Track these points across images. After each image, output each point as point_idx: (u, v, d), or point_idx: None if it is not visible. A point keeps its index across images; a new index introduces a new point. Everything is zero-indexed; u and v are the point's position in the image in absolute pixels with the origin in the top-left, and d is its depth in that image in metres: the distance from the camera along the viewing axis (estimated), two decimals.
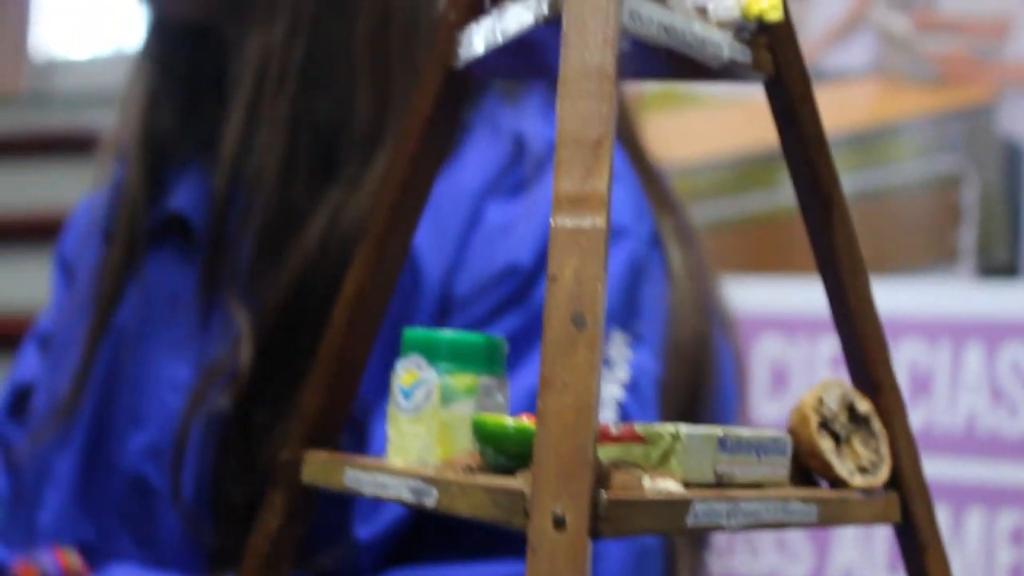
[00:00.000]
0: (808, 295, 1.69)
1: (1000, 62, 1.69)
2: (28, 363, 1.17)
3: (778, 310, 1.73)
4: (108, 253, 1.07)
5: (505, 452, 0.56)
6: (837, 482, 0.61)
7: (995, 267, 1.67)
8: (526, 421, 0.56)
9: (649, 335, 0.95)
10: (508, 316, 0.92)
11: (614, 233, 0.95)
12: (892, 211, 1.72)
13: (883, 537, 1.63)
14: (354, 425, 0.91)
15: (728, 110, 1.79)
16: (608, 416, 0.91)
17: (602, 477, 0.51)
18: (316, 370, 0.66)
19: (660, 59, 0.59)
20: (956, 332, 1.64)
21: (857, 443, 0.62)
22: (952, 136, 1.71)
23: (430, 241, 0.95)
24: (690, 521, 0.53)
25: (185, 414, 0.96)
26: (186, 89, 1.08)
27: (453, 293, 0.95)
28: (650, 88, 1.80)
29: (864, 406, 0.63)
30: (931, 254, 1.70)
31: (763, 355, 1.73)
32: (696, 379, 0.99)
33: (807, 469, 0.61)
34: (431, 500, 0.56)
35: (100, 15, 3.30)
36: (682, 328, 0.98)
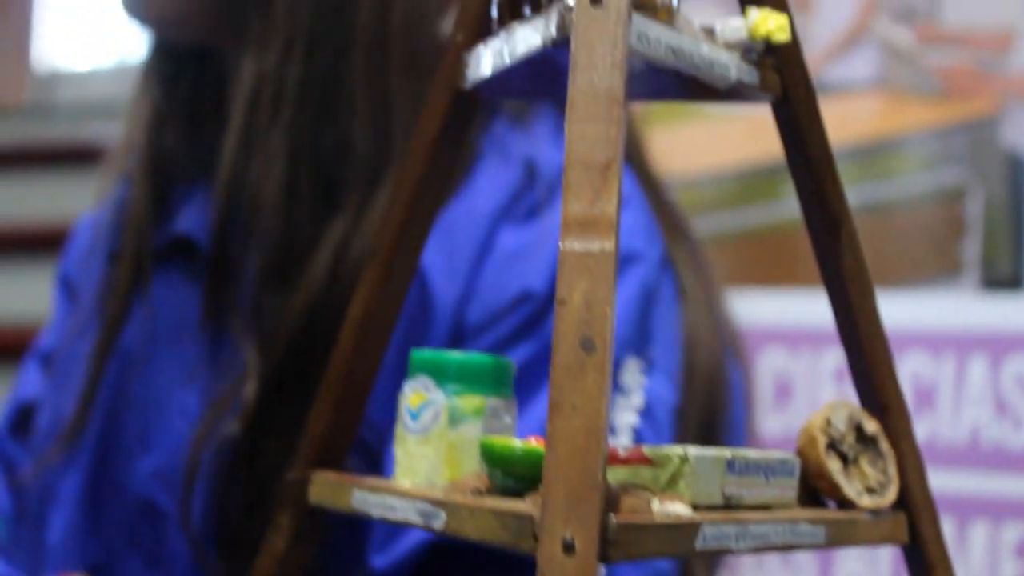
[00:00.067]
0: (811, 308, 1.69)
1: (1004, 75, 1.69)
2: (30, 381, 1.17)
3: (781, 323, 1.73)
4: (114, 273, 1.06)
5: (513, 474, 0.56)
6: (845, 503, 0.61)
7: (999, 279, 1.67)
8: (534, 443, 0.56)
9: (662, 360, 0.95)
10: (521, 344, 0.92)
11: (625, 258, 0.94)
12: (896, 224, 1.72)
13: (888, 550, 1.63)
14: (365, 449, 0.91)
15: (732, 123, 1.79)
16: (624, 443, 0.90)
17: (611, 501, 0.51)
18: (323, 391, 0.66)
19: (667, 80, 0.59)
20: (960, 345, 1.64)
21: (865, 463, 0.62)
22: (956, 149, 1.71)
23: (442, 266, 0.95)
24: (699, 544, 0.53)
25: (195, 441, 0.96)
26: (190, 110, 1.07)
27: (466, 320, 0.94)
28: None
29: (872, 426, 0.63)
30: (935, 266, 1.70)
31: (766, 368, 1.73)
32: (710, 404, 0.99)
33: (815, 490, 0.61)
34: (439, 523, 0.56)
35: (102, 27, 3.30)
36: (696, 353, 0.98)
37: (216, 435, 0.95)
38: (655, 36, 0.55)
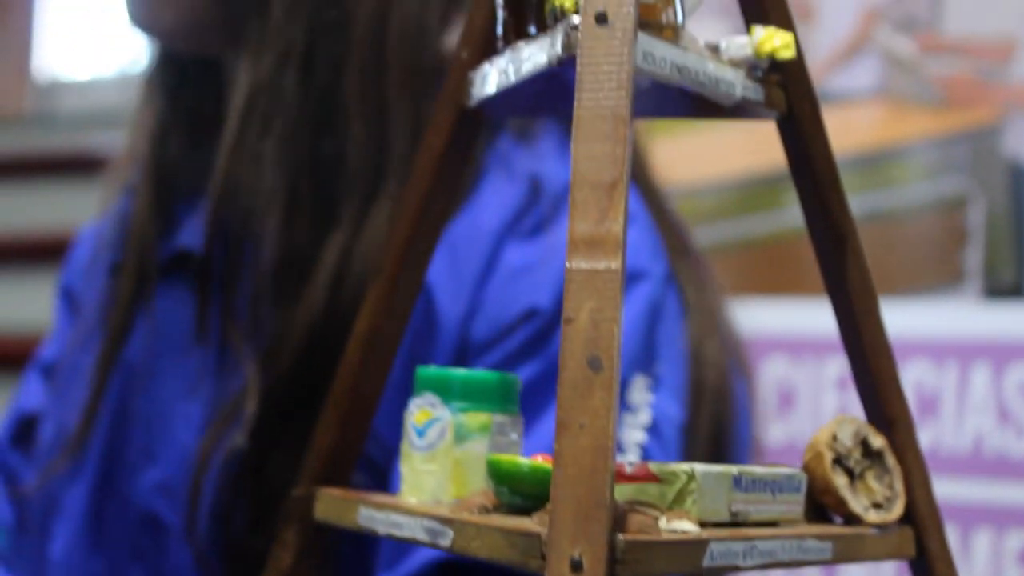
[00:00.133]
0: (813, 316, 1.70)
1: (1005, 84, 1.69)
2: (31, 392, 1.17)
3: (784, 331, 1.73)
4: (116, 286, 1.06)
5: (520, 492, 0.56)
6: (851, 518, 0.61)
7: (1001, 288, 1.67)
8: (540, 461, 0.56)
9: (668, 377, 0.95)
10: (528, 362, 0.92)
11: (631, 276, 0.94)
12: (898, 233, 1.73)
13: (892, 564, 1.62)
14: (372, 465, 0.91)
15: (733, 132, 1.80)
16: (631, 460, 0.90)
17: (619, 519, 0.51)
18: (329, 407, 0.66)
19: (673, 97, 0.59)
20: (962, 353, 1.64)
21: (871, 478, 0.62)
22: (958, 158, 1.71)
23: (447, 282, 0.95)
24: (707, 562, 0.53)
25: (200, 454, 0.96)
26: (193, 121, 1.07)
27: (471, 337, 0.94)
28: None
29: (878, 441, 0.63)
30: (937, 275, 1.70)
31: (769, 376, 1.73)
32: (717, 420, 0.99)
33: (821, 505, 0.61)
34: (446, 541, 0.56)
35: (103, 36, 3.30)
36: (701, 369, 0.98)
37: (221, 448, 0.95)
38: (660, 54, 0.55)
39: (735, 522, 0.56)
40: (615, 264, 0.50)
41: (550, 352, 0.91)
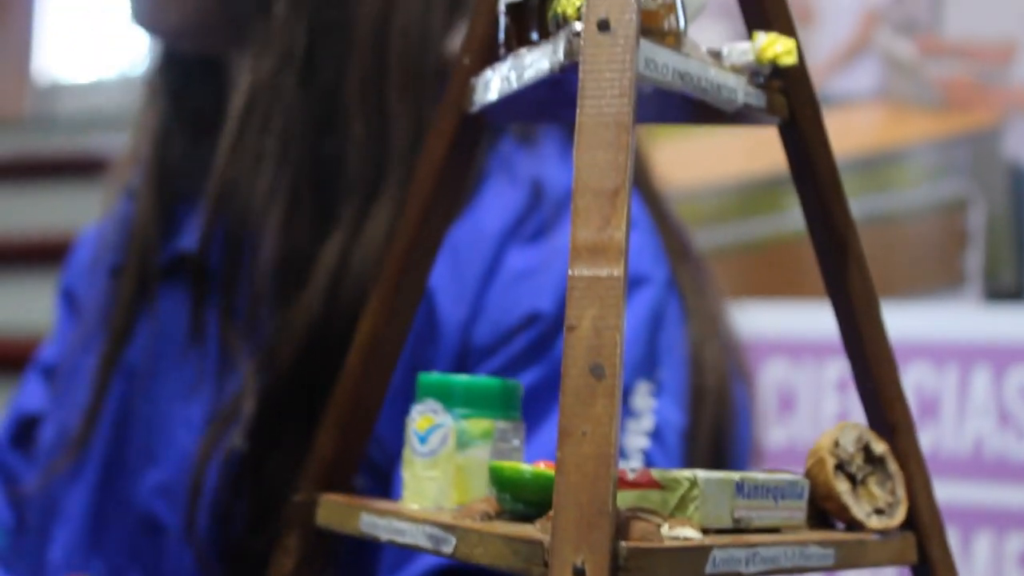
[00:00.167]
0: (813, 319, 1.70)
1: (1005, 86, 1.69)
2: (32, 393, 1.17)
3: (784, 334, 1.73)
4: (118, 288, 1.06)
5: (522, 499, 0.56)
6: (854, 524, 0.61)
7: (1002, 291, 1.67)
8: (543, 467, 0.56)
9: (670, 382, 0.95)
10: (531, 367, 0.92)
11: (634, 281, 0.94)
12: (899, 235, 1.72)
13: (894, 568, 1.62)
14: (374, 469, 0.91)
15: (733, 135, 1.80)
16: (634, 466, 0.90)
17: (621, 526, 0.51)
18: (330, 413, 0.66)
19: (675, 103, 0.59)
20: (963, 356, 1.64)
21: (873, 484, 0.62)
22: (958, 160, 1.71)
23: (448, 286, 0.94)
24: (709, 568, 0.53)
25: (200, 455, 0.96)
26: (196, 122, 1.07)
27: (473, 341, 0.94)
28: None
29: (880, 447, 0.63)
30: (938, 278, 1.70)
31: (769, 379, 1.73)
32: (717, 424, 0.99)
33: (824, 511, 0.61)
34: (449, 547, 0.56)
35: (103, 38, 3.30)
36: (702, 373, 0.98)
37: (219, 449, 0.95)
38: (663, 61, 0.55)
39: (737, 529, 0.56)
40: (617, 271, 0.50)
41: (552, 357, 0.91)
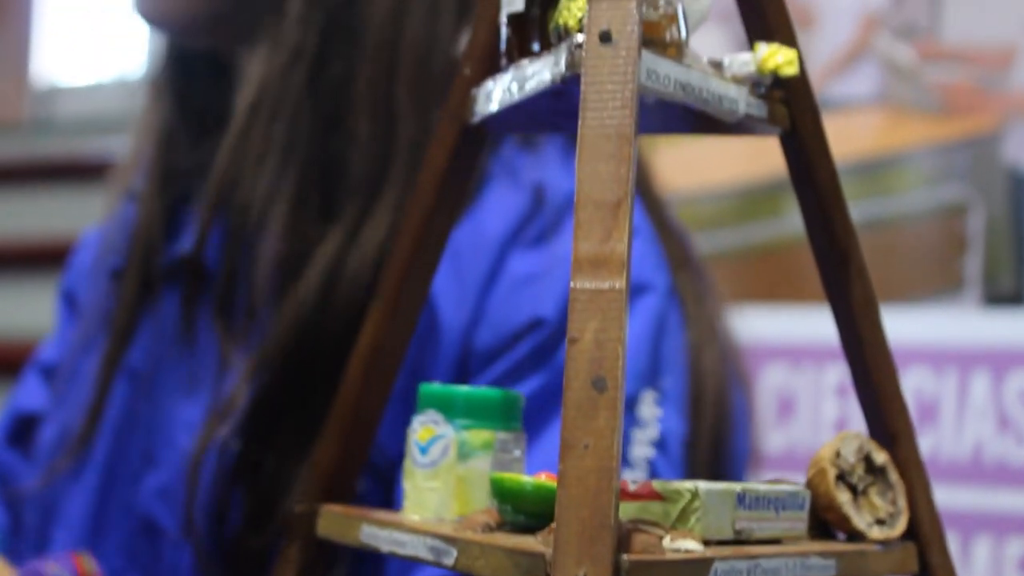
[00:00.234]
0: (813, 324, 1.70)
1: (1005, 91, 1.69)
2: (30, 391, 1.16)
3: (783, 339, 1.73)
4: (120, 290, 1.06)
5: (523, 510, 0.56)
6: (855, 534, 0.61)
7: (1001, 295, 1.67)
8: (544, 479, 0.56)
9: (672, 390, 0.95)
10: (533, 374, 0.92)
11: (637, 288, 0.94)
12: (898, 240, 1.73)
13: None
14: (375, 472, 0.91)
15: (732, 140, 1.80)
16: (639, 476, 0.90)
17: (623, 539, 0.51)
18: (331, 423, 0.66)
19: (676, 114, 0.59)
20: (962, 360, 1.64)
21: (874, 494, 0.62)
22: (957, 165, 1.71)
23: (450, 289, 0.94)
24: None
25: (195, 452, 0.96)
26: (200, 122, 1.07)
27: (475, 345, 0.94)
28: None
29: (881, 457, 0.63)
30: (937, 282, 1.70)
31: (769, 384, 1.73)
32: (717, 432, 0.99)
33: (825, 521, 0.61)
34: (450, 559, 0.56)
35: (101, 42, 3.30)
36: (702, 381, 0.98)
37: (214, 447, 0.95)
38: (664, 72, 0.55)
39: (739, 540, 0.56)
40: (619, 284, 0.50)
41: (555, 363, 0.91)
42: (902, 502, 0.63)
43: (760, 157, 1.73)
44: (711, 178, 1.84)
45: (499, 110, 0.61)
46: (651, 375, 0.93)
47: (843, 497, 0.61)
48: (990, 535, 1.60)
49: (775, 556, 0.55)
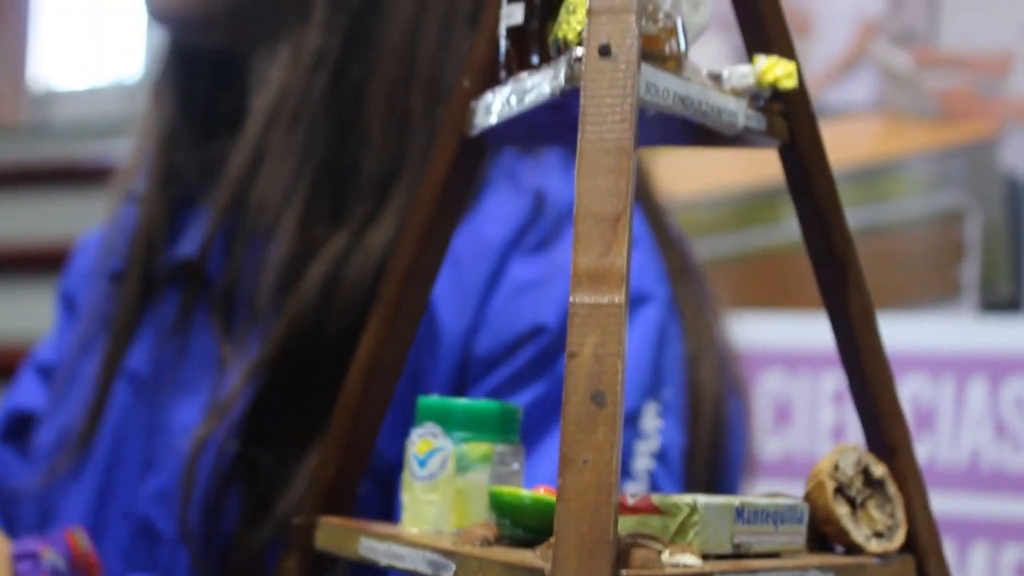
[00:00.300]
0: (810, 330, 1.70)
1: (1002, 98, 1.69)
2: (27, 389, 1.16)
3: (780, 345, 1.73)
4: (120, 293, 1.06)
5: (522, 524, 0.56)
6: (853, 548, 0.61)
7: (998, 302, 1.67)
8: (543, 493, 0.56)
9: (672, 401, 0.95)
10: (534, 383, 0.92)
11: (639, 299, 0.94)
12: (895, 246, 1.73)
13: None
14: (375, 476, 0.91)
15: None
16: (641, 489, 0.90)
17: (622, 554, 0.51)
18: (330, 435, 0.66)
19: (675, 126, 0.59)
20: (959, 367, 1.64)
21: (872, 507, 0.62)
22: (955, 171, 1.71)
23: (449, 294, 0.94)
24: None
25: (191, 452, 0.96)
26: (205, 123, 1.07)
27: (475, 351, 0.94)
28: None
29: (879, 470, 0.63)
30: (934, 289, 1.70)
31: (765, 391, 1.73)
32: (714, 443, 0.99)
33: (823, 535, 0.61)
34: (448, 573, 0.55)
35: (99, 45, 3.30)
36: (700, 393, 0.98)
37: (210, 448, 0.95)
38: (664, 85, 0.55)
39: (737, 554, 0.56)
40: (618, 298, 0.50)
41: (556, 372, 0.91)
42: (900, 515, 0.63)
43: (758, 164, 1.73)
44: (709, 184, 1.84)
45: (498, 123, 0.60)
46: (653, 387, 0.93)
47: (841, 510, 0.61)
48: (987, 542, 1.60)
49: (774, 570, 0.55)
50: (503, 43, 0.61)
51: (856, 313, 0.63)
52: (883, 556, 0.61)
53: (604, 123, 0.52)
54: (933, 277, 1.71)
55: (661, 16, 0.57)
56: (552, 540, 0.49)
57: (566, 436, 0.49)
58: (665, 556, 0.53)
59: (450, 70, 0.97)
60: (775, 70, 0.59)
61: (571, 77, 0.55)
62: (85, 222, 1.23)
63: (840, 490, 0.61)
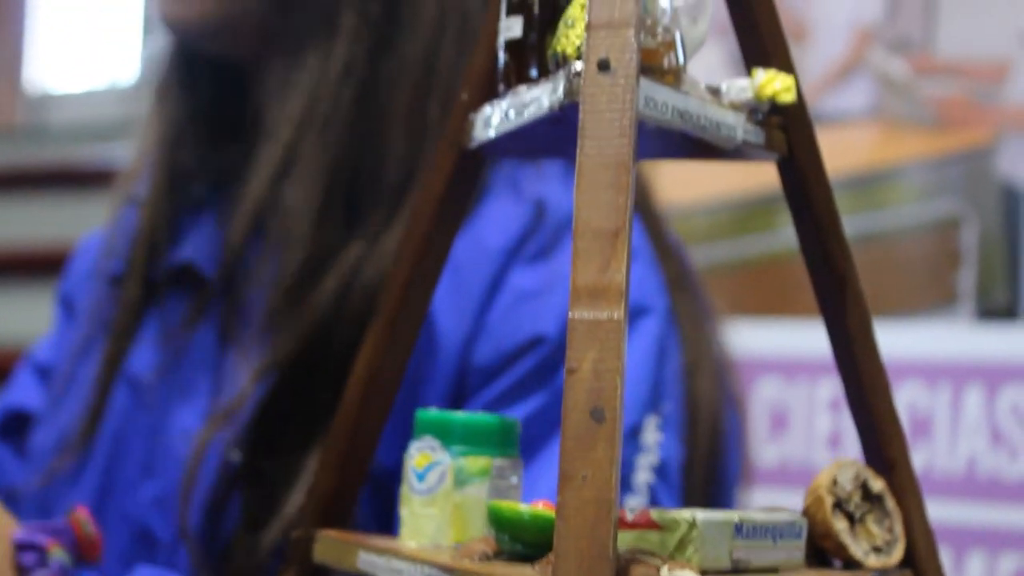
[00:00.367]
0: (806, 337, 1.69)
1: (999, 105, 1.69)
2: (24, 387, 1.16)
3: (777, 353, 1.73)
4: (120, 296, 1.06)
5: (521, 539, 0.56)
6: (852, 563, 0.61)
7: (994, 310, 1.67)
8: (541, 508, 0.56)
9: (672, 415, 0.95)
10: (535, 394, 0.92)
11: (638, 311, 0.94)
12: (892, 254, 1.72)
13: None
14: (374, 484, 0.91)
15: None
16: (641, 502, 0.90)
17: (621, 570, 0.51)
18: (328, 448, 0.66)
19: (674, 140, 0.59)
20: (956, 375, 1.64)
21: (871, 522, 0.62)
22: (951, 179, 1.71)
23: (449, 301, 0.94)
24: None
25: (192, 458, 0.96)
26: (208, 126, 1.06)
27: (474, 360, 0.94)
28: None
29: (877, 485, 0.63)
30: (930, 297, 1.70)
31: (762, 398, 1.73)
32: (711, 455, 0.99)
33: (822, 550, 0.61)
34: None
35: (95, 49, 3.30)
36: (697, 405, 0.98)
37: (213, 454, 0.95)
38: (662, 100, 0.55)
39: (736, 569, 0.56)
40: (617, 314, 0.50)
41: (556, 383, 0.91)
42: (899, 529, 0.63)
43: (754, 172, 1.72)
44: (705, 192, 1.83)
45: (496, 137, 0.60)
46: (654, 400, 0.93)
47: (840, 525, 0.61)
48: (984, 550, 1.60)
49: None
50: (502, 56, 0.61)
51: (855, 327, 0.63)
52: (882, 571, 0.61)
53: (603, 138, 0.52)
54: (929, 284, 1.71)
55: (660, 30, 0.57)
56: (551, 556, 0.49)
57: (565, 452, 0.49)
58: (664, 572, 0.53)
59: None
60: (773, 84, 0.59)
61: (570, 92, 0.55)
62: (81, 225, 1.23)
63: (839, 505, 0.61)
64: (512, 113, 0.59)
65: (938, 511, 1.58)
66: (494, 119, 0.61)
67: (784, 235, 1.74)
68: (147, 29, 3.02)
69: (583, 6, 0.56)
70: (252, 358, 0.96)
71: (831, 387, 1.68)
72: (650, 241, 1.01)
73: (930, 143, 1.72)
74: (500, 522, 0.56)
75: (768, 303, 1.76)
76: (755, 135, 0.60)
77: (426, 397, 0.93)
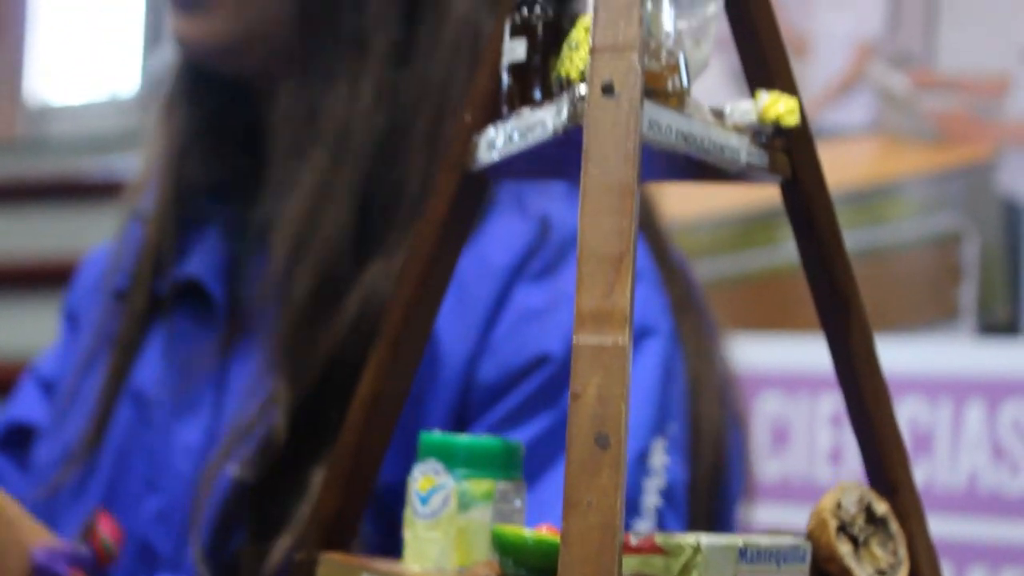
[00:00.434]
0: (808, 352, 1.69)
1: (999, 120, 1.70)
2: (27, 401, 1.16)
3: (778, 367, 1.73)
4: (125, 310, 1.06)
5: (525, 564, 0.55)
6: None
7: (995, 325, 1.67)
8: (545, 533, 0.56)
9: (677, 436, 0.95)
10: (540, 414, 0.91)
11: (643, 332, 0.94)
12: (892, 269, 1.73)
13: None
14: (381, 507, 0.90)
15: None
16: (648, 526, 0.90)
17: None
18: (331, 469, 0.66)
19: (678, 163, 0.59)
20: (957, 390, 1.64)
21: (875, 545, 0.62)
22: (952, 194, 1.71)
23: (453, 318, 0.94)
24: None
25: (201, 480, 0.96)
26: (215, 142, 1.06)
27: (479, 378, 0.94)
28: None
29: (881, 507, 0.62)
30: (931, 312, 1.70)
31: (764, 413, 1.73)
32: (712, 475, 0.98)
33: (826, 573, 0.61)
34: None
35: (95, 61, 3.30)
36: (700, 426, 0.98)
37: (222, 476, 0.95)
38: (666, 123, 0.55)
39: None
40: (622, 339, 0.50)
41: (562, 404, 0.91)
42: (903, 552, 0.62)
43: (755, 187, 1.73)
44: (707, 207, 1.84)
45: (499, 159, 0.60)
46: (660, 423, 0.93)
47: (844, 548, 0.60)
48: (985, 566, 1.60)
49: None
50: (505, 78, 0.61)
51: (858, 347, 0.63)
52: None
53: (607, 162, 0.52)
54: (930, 300, 1.71)
55: (664, 53, 0.57)
56: None
57: (569, 478, 0.49)
58: None
59: None
60: (777, 107, 0.59)
61: (574, 115, 0.55)
62: (82, 237, 1.22)
63: (843, 528, 0.61)
64: (516, 135, 0.59)
65: (939, 526, 1.58)
66: (498, 141, 0.61)
67: (785, 250, 1.74)
68: (148, 41, 3.03)
69: (587, 29, 0.56)
70: (266, 380, 0.96)
71: (832, 402, 1.68)
72: (655, 261, 1.01)
73: (931, 158, 1.72)
74: (504, 546, 0.56)
75: (769, 318, 1.76)
76: (759, 158, 0.60)
77: (429, 414, 0.93)
